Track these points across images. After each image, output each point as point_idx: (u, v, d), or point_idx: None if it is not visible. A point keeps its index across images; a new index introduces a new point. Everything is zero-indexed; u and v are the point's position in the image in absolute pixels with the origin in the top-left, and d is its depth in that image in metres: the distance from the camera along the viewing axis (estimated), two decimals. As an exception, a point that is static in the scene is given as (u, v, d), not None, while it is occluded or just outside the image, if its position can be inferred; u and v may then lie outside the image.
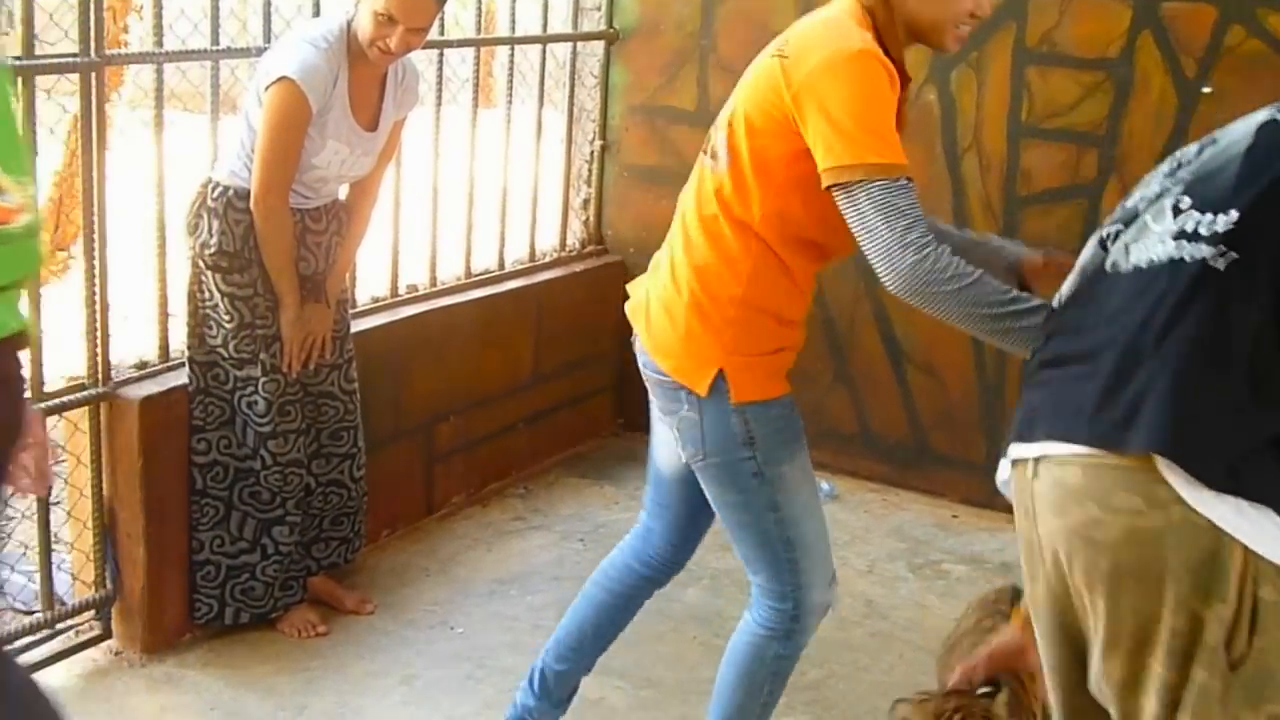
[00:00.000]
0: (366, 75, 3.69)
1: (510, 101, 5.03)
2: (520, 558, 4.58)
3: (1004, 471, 2.23)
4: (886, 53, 2.57)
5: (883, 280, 2.48)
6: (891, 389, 5.23)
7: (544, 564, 4.54)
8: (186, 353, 3.77)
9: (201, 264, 3.70)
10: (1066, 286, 2.22)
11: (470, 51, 4.94)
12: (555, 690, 3.27)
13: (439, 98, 4.64)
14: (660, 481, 3.15)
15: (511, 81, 5.04)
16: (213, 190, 3.68)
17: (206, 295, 3.72)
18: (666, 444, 2.99)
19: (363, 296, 4.55)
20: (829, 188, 2.50)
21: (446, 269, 4.93)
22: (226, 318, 3.70)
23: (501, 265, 5.18)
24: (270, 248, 3.65)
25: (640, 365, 2.84)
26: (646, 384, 2.85)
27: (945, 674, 3.11)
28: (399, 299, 4.67)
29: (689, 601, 4.32)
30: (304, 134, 3.57)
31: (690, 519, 3.14)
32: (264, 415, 3.76)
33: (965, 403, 5.07)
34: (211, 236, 3.65)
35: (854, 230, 2.49)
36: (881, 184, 2.46)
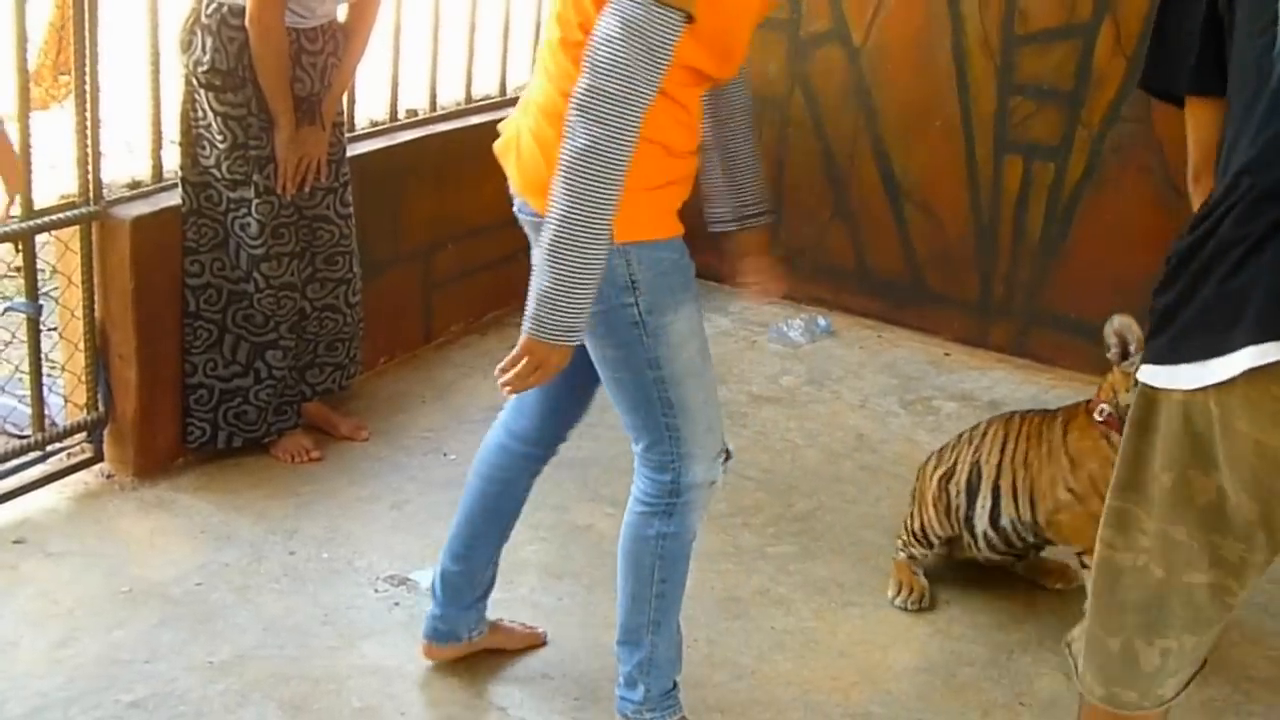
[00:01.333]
0: None
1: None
2: (516, 386, 4.46)
3: (1224, 371, 1.82)
4: None
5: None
6: (889, 226, 5.07)
7: (539, 392, 4.42)
8: (179, 173, 3.62)
9: (195, 82, 3.53)
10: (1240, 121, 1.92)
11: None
12: (463, 592, 2.97)
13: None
14: None
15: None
16: (207, 7, 3.49)
17: (200, 114, 3.56)
18: None
19: (361, 120, 4.38)
20: None
21: (447, 94, 4.74)
22: (219, 138, 3.54)
23: (503, 91, 4.98)
24: (265, 66, 3.47)
25: (515, 210, 2.51)
26: (523, 228, 2.53)
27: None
28: (398, 123, 4.49)
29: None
30: None
31: (565, 382, 2.60)
32: (257, 237, 3.61)
33: (961, 242, 4.91)
34: (205, 54, 3.48)
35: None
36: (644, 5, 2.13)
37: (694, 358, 2.52)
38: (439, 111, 4.66)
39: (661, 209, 2.43)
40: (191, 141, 3.59)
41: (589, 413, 4.09)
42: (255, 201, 3.59)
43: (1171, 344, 1.90)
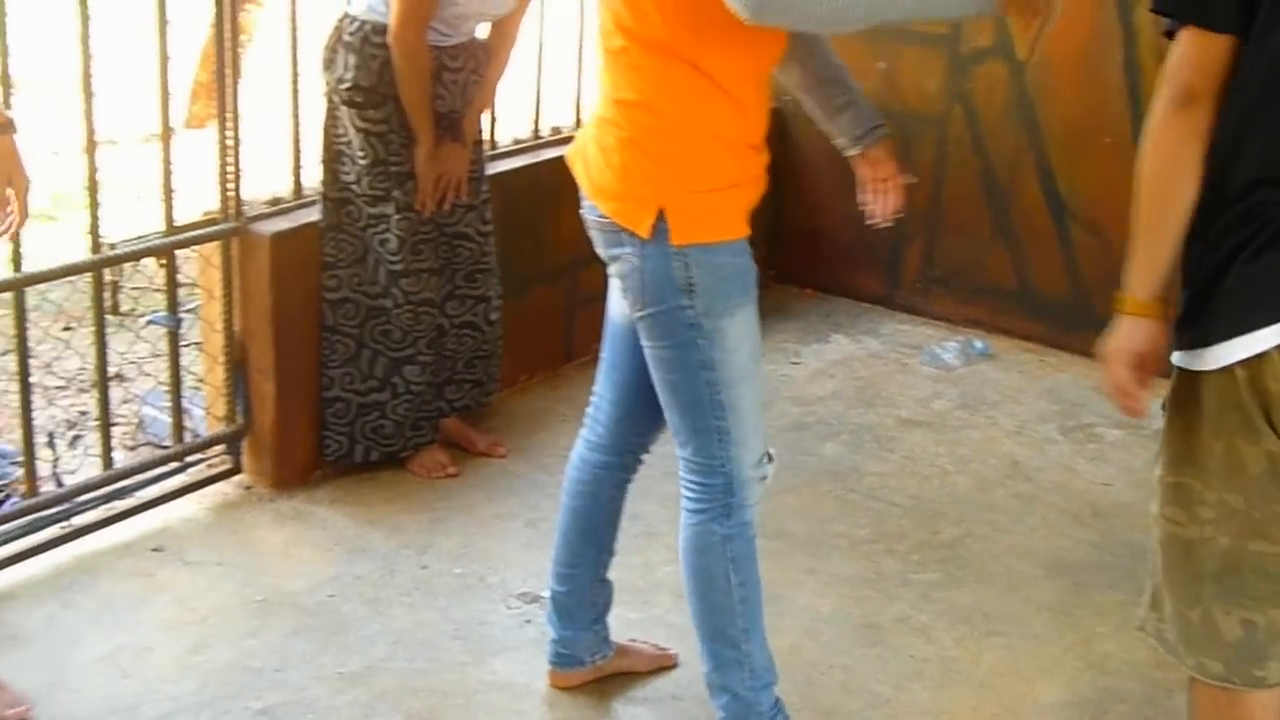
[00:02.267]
0: None
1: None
2: (658, 406, 4.50)
3: (1254, 346, 2.02)
4: None
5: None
6: (1053, 245, 5.01)
7: (682, 413, 4.45)
8: (320, 189, 3.74)
9: (336, 99, 3.65)
10: None
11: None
12: (575, 614, 3.01)
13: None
14: (612, 336, 2.87)
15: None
16: (349, 25, 3.61)
17: (341, 131, 3.67)
18: (615, 294, 2.76)
19: (504, 138, 4.47)
20: None
21: (591, 111, 4.81)
22: (361, 154, 3.65)
23: (650, 109, 5.04)
24: (407, 84, 3.57)
25: (582, 214, 2.61)
26: (589, 232, 2.62)
27: None
28: (541, 141, 4.58)
29: (826, 455, 4.23)
30: None
31: (630, 385, 2.81)
32: (396, 253, 3.71)
33: (1130, 262, 4.82)
34: (347, 72, 3.59)
35: None
36: None
37: (747, 361, 2.58)
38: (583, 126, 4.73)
39: (722, 210, 2.51)
40: (332, 158, 3.71)
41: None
42: (395, 217, 3.69)
43: (1200, 330, 2.06)
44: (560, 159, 4.46)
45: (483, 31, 3.82)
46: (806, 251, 5.51)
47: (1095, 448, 4.39)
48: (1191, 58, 2.02)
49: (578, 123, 4.71)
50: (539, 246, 4.49)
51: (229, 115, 3.57)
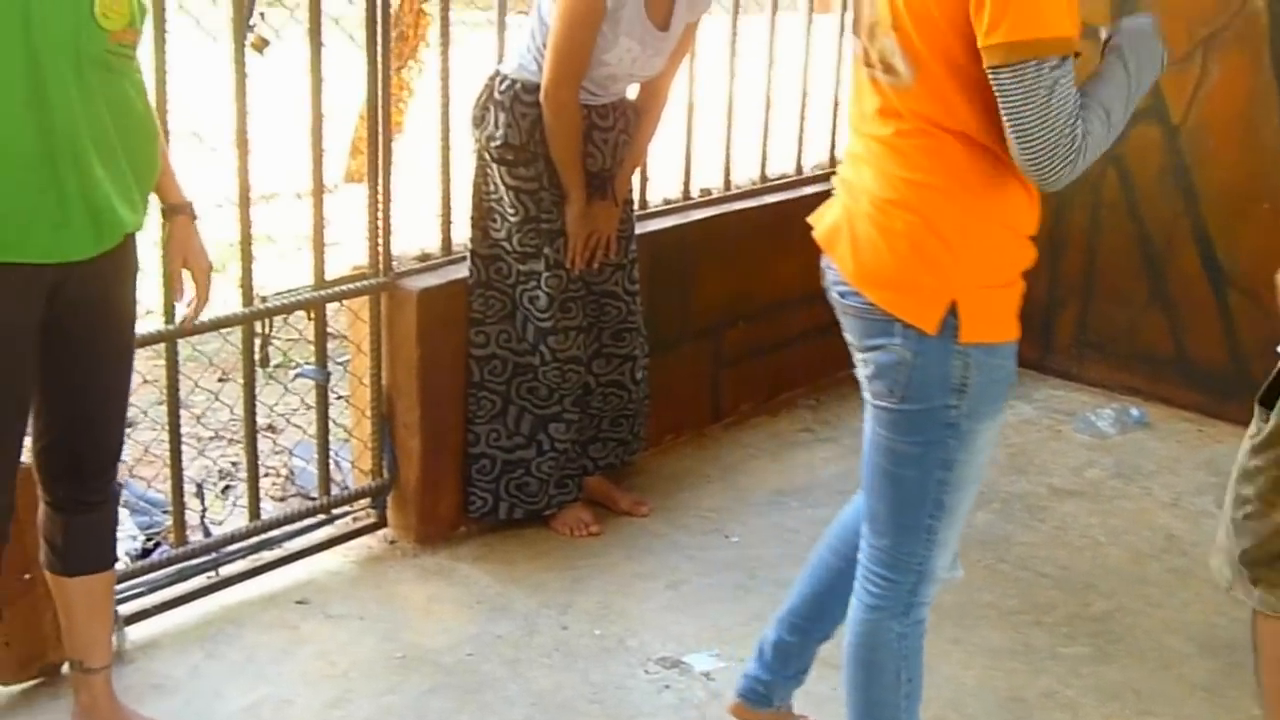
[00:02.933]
0: None
1: (812, 5, 4.87)
2: (805, 470, 4.49)
3: None
4: None
5: (1028, 177, 2.20)
6: (1211, 313, 4.91)
7: (829, 477, 4.44)
8: (469, 245, 3.80)
9: (487, 157, 3.71)
10: None
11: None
12: (792, 662, 2.93)
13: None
14: None
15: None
16: (500, 83, 3.68)
17: (491, 188, 3.74)
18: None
19: (654, 198, 4.51)
20: (990, 69, 2.15)
21: (741, 173, 4.84)
22: (511, 211, 3.70)
23: (799, 170, 5.05)
24: (558, 142, 3.63)
25: (835, 296, 2.47)
26: (840, 316, 2.50)
27: None
28: (691, 201, 4.61)
29: (977, 524, 4.16)
30: (597, 30, 3.54)
31: None
32: (545, 310, 3.76)
33: (1293, 330, 4.71)
34: (498, 129, 3.66)
35: (1005, 119, 2.16)
36: (1059, 63, 2.12)
37: (980, 467, 2.47)
38: (733, 190, 4.76)
39: (1007, 308, 2.37)
40: (483, 215, 3.77)
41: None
42: (545, 275, 3.73)
43: None
44: (709, 220, 4.55)
45: (633, 91, 3.88)
46: (957, 315, 5.46)
47: (1256, 522, 4.27)
48: None
49: (726, 184, 4.74)
50: (686, 306, 4.52)
51: (380, 171, 3.66)
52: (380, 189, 3.66)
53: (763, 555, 3.93)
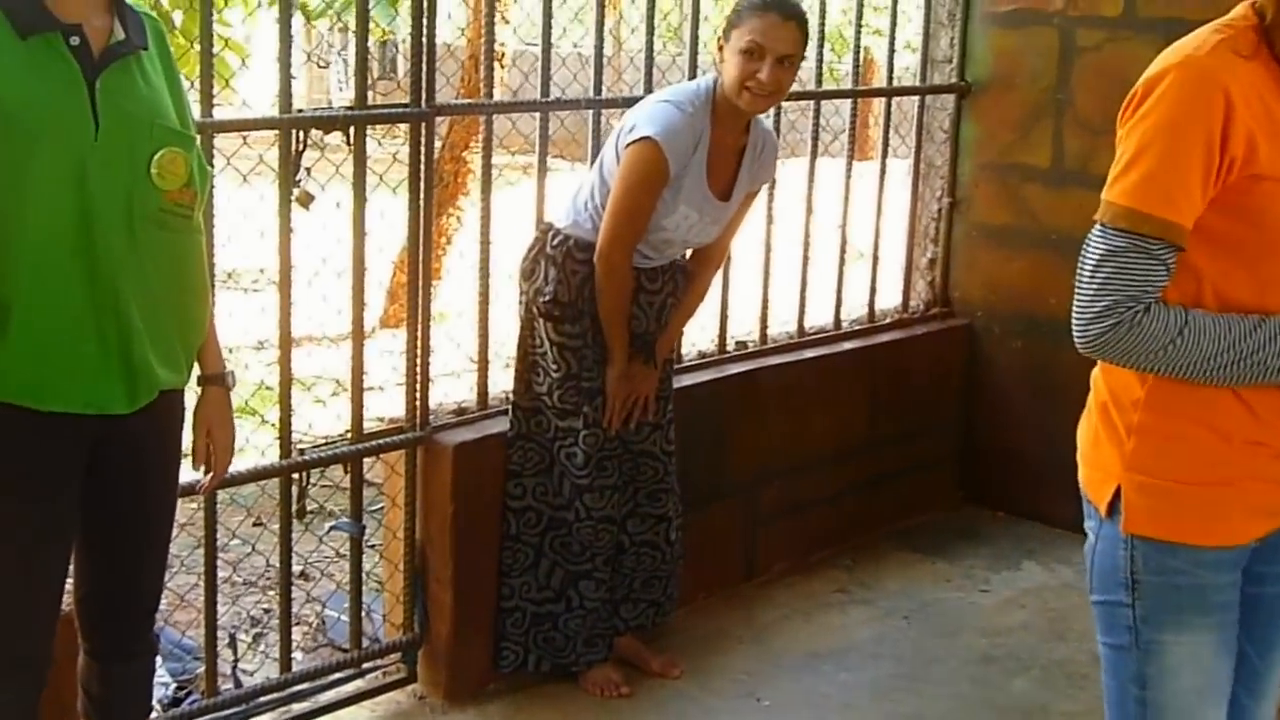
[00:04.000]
0: (727, 143, 3.75)
1: (851, 156, 5.01)
2: (839, 632, 4.52)
3: None
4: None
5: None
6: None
7: (863, 640, 4.46)
8: (511, 397, 3.89)
9: (535, 310, 3.79)
10: None
11: (810, 103, 4.92)
12: None
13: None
14: None
15: (854, 134, 5.02)
16: (552, 239, 3.77)
17: (537, 342, 3.82)
18: None
19: (689, 352, 4.60)
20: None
21: (778, 325, 4.94)
22: (554, 366, 3.78)
23: (838, 324, 5.15)
24: (608, 302, 3.71)
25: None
26: None
27: None
28: (727, 355, 4.69)
29: (1014, 692, 4.18)
30: (659, 195, 3.63)
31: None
32: (582, 468, 3.83)
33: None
34: (547, 285, 3.74)
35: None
36: (1126, 235, 2.09)
37: (1188, 694, 2.26)
38: (770, 344, 4.85)
39: (1193, 508, 2.20)
40: (527, 368, 3.86)
41: (916, 666, 4.11)
42: (583, 432, 3.80)
43: None
44: (745, 374, 4.64)
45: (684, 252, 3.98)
46: (997, 472, 5.51)
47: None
48: None
49: (763, 339, 4.84)
50: (721, 462, 4.58)
51: (420, 325, 3.76)
52: (419, 342, 3.76)
53: None
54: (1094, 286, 2.12)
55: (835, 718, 3.97)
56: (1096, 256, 2.13)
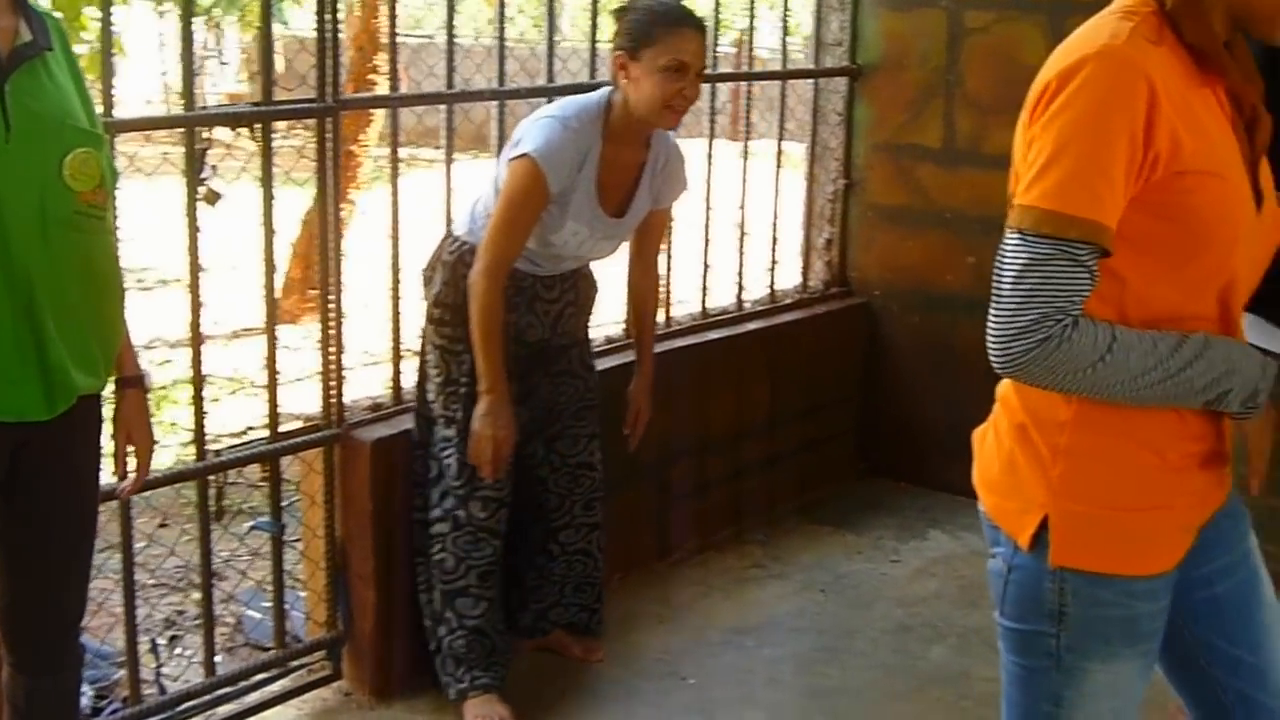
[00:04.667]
0: (623, 159, 3.65)
1: (749, 138, 5.00)
2: (757, 607, 4.53)
3: None
4: (1188, 46, 2.00)
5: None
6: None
7: (782, 615, 4.48)
8: (416, 406, 3.80)
9: (428, 315, 3.70)
10: None
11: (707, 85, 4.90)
12: None
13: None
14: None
15: (749, 117, 5.01)
16: (450, 244, 3.71)
17: (428, 349, 3.73)
18: None
19: (598, 338, 4.57)
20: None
21: (682, 308, 4.93)
22: (435, 371, 3.69)
23: (740, 305, 5.16)
24: (476, 328, 3.51)
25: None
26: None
27: None
28: (633, 340, 4.66)
29: (934, 660, 4.21)
30: (537, 214, 3.51)
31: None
32: (457, 476, 3.66)
33: None
34: (438, 287, 3.67)
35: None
36: (1050, 242, 1.92)
37: (1104, 715, 2.15)
38: (674, 326, 4.84)
39: (1128, 536, 2.07)
40: (424, 376, 3.76)
41: (836, 638, 4.13)
42: (458, 440, 3.64)
43: None
44: (656, 356, 4.58)
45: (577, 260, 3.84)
46: (897, 443, 5.57)
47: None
48: None
49: (668, 321, 4.82)
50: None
51: (333, 321, 3.70)
52: (332, 338, 3.70)
53: (721, 696, 3.96)
54: (1016, 300, 1.93)
55: (761, 692, 3.97)
56: (1017, 267, 1.93)
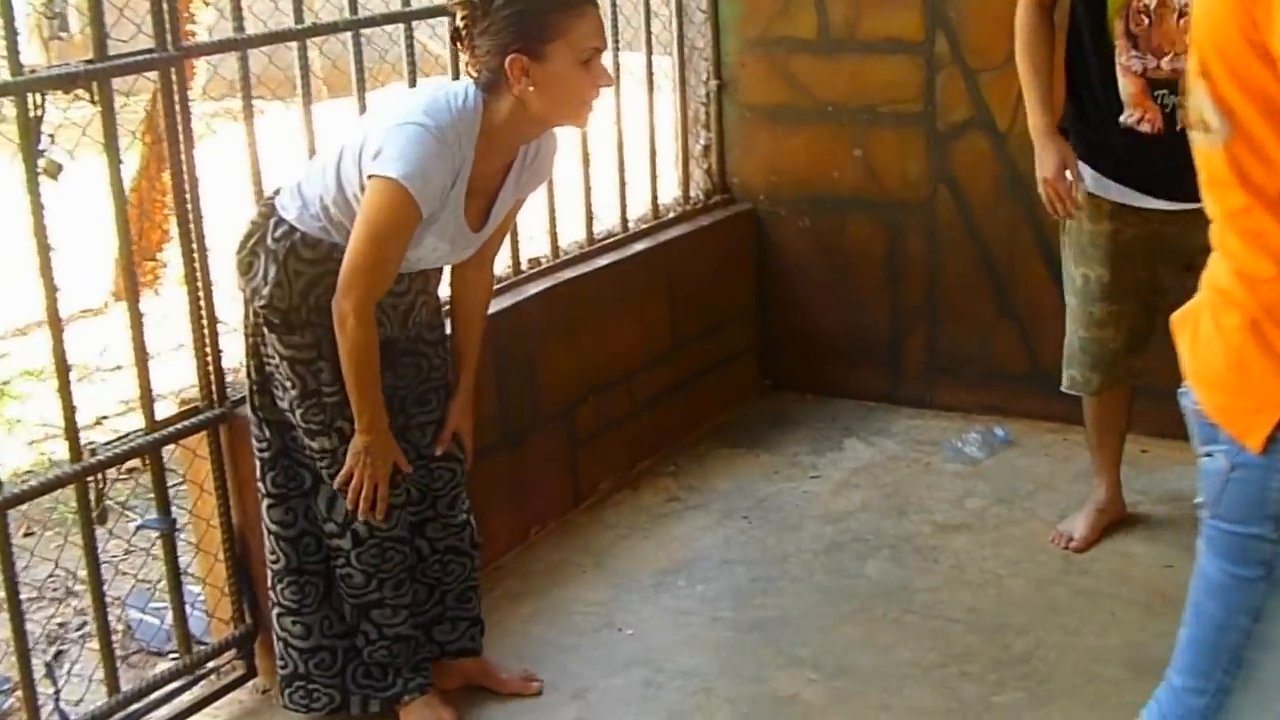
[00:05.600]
0: (493, 168, 3.21)
1: (616, 48, 4.76)
2: (682, 543, 4.36)
3: None
4: None
5: None
6: (1060, 320, 4.89)
7: (709, 548, 4.32)
8: (257, 412, 3.31)
9: (254, 314, 3.23)
10: None
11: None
12: None
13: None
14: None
15: (616, 25, 4.77)
16: (275, 229, 3.18)
17: (269, 351, 3.25)
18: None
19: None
20: None
21: (567, 236, 4.71)
22: (289, 382, 3.22)
23: (625, 226, 4.95)
24: (348, 361, 3.11)
25: (1179, 394, 2.16)
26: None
27: None
28: (522, 275, 4.44)
29: (871, 575, 4.10)
30: (408, 240, 3.09)
31: None
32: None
33: (1147, 326, 4.74)
34: (265, 286, 3.15)
35: None
36: None
37: None
38: (562, 257, 4.62)
39: None
40: (264, 377, 3.29)
41: (768, 566, 4.00)
42: (341, 449, 3.24)
43: None
44: (543, 293, 4.40)
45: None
46: (799, 354, 5.43)
47: (1144, 529, 4.28)
48: None
49: (554, 252, 4.60)
50: (532, 389, 4.36)
51: (203, 295, 3.43)
52: (204, 312, 3.43)
53: (662, 643, 3.79)
54: None
55: (704, 633, 3.83)
56: None
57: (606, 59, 3.17)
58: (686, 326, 5.06)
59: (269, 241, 3.17)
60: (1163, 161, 3.54)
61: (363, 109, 3.78)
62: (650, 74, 4.98)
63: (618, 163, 4.83)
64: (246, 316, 3.26)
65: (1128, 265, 3.87)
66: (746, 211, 5.31)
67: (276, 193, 3.27)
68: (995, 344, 5.07)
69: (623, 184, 4.89)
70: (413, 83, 3.93)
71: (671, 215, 5.16)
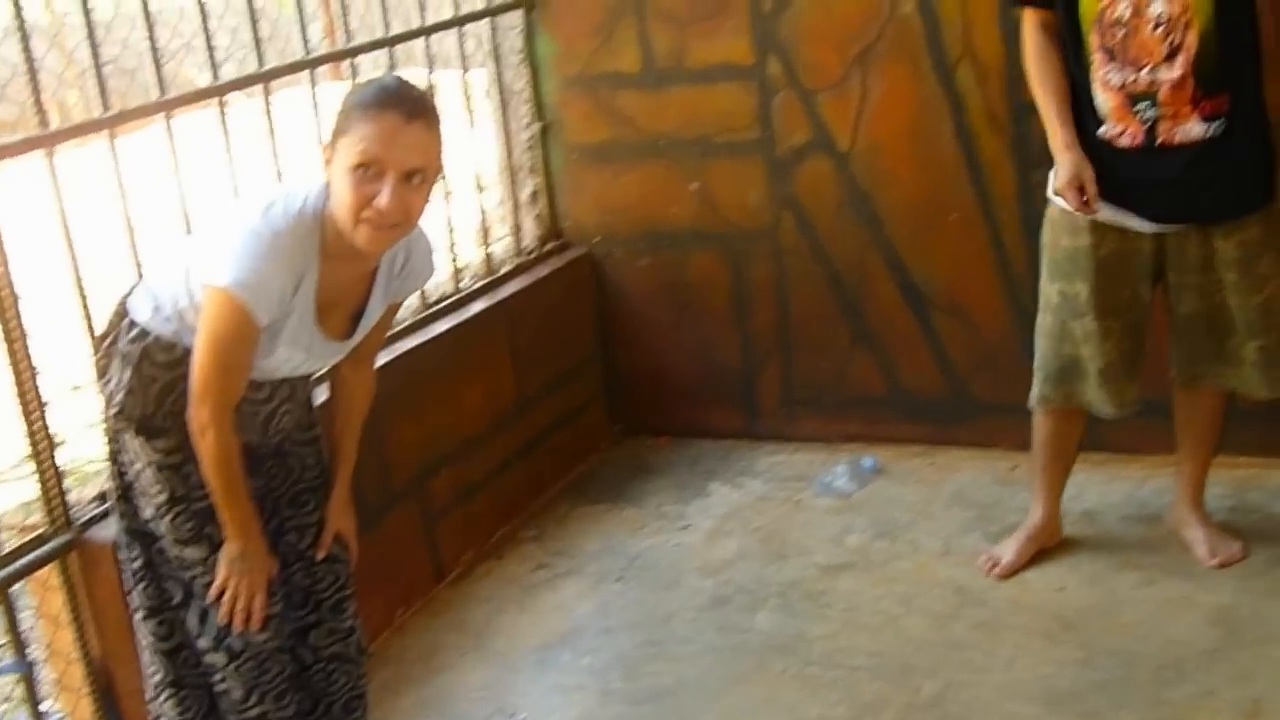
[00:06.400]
0: (348, 274, 3.05)
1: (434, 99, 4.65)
2: (559, 613, 4.27)
3: None
4: None
5: None
6: (917, 339, 4.97)
7: (588, 616, 4.23)
8: (121, 522, 3.18)
9: (113, 419, 3.10)
10: None
11: (383, 54, 4.54)
12: None
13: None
14: None
15: (430, 76, 4.66)
16: (127, 330, 3.07)
17: (131, 457, 3.11)
18: None
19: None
20: None
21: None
22: (155, 488, 3.08)
23: (457, 286, 4.83)
24: (211, 470, 2.99)
25: None
26: None
27: None
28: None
29: (762, 629, 4.06)
30: (252, 348, 2.95)
31: None
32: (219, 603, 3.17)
33: (1003, 341, 4.79)
34: (118, 391, 3.05)
35: None
36: None
37: None
38: (398, 326, 4.49)
39: None
40: (126, 486, 3.15)
41: (653, 629, 3.91)
42: (213, 558, 3.10)
43: None
44: (385, 366, 4.26)
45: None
46: (649, 398, 5.38)
47: (1030, 551, 4.32)
48: None
49: (393, 319, 4.48)
50: (383, 466, 4.24)
51: (35, 407, 3.24)
52: (39, 425, 3.24)
53: (559, 725, 3.71)
54: None
55: (598, 710, 3.75)
56: None
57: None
58: (530, 382, 4.98)
59: (121, 344, 3.05)
60: (1142, 177, 3.63)
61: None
62: (471, 126, 4.89)
63: (445, 220, 4.72)
64: (105, 422, 3.11)
65: (1108, 281, 3.86)
66: (583, 256, 5.25)
67: (130, 292, 3.13)
68: (852, 370, 5.08)
69: (452, 243, 4.78)
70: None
71: (506, 269, 5.05)
